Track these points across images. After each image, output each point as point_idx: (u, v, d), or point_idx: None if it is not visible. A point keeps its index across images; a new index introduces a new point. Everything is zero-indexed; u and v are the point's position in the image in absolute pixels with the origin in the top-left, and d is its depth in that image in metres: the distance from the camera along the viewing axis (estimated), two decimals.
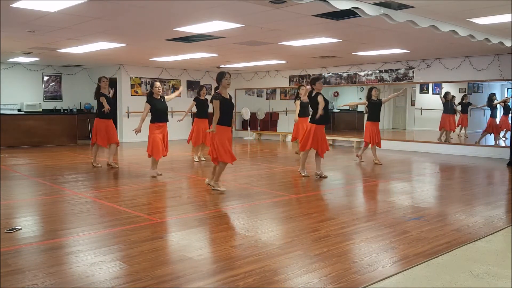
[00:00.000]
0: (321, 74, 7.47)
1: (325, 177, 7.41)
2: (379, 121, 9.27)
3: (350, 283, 3.02)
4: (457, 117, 12.18)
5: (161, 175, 7.48)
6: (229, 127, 6.03)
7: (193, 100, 9.28)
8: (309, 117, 7.79)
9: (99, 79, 8.27)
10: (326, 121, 7.38)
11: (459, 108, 12.15)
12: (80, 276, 3.13)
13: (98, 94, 8.21)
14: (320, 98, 7.08)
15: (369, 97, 9.16)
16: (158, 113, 7.31)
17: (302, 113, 9.99)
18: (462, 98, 12.12)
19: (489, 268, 3.32)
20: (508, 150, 9.60)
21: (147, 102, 7.26)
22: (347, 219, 4.80)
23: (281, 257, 3.54)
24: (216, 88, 6.00)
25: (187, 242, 4.00)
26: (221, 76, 5.89)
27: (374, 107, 9.17)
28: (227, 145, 5.97)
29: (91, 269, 3.25)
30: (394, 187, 6.98)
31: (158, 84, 7.31)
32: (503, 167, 9.05)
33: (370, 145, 9.26)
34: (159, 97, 7.34)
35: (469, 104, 12.20)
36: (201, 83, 15.83)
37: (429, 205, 5.54)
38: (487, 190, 6.84)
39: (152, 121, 7.35)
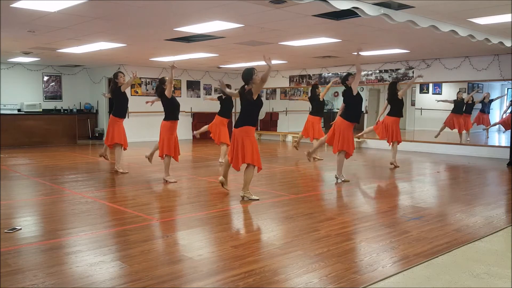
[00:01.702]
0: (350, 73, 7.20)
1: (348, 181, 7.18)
2: (401, 116, 8.65)
3: (350, 283, 3.02)
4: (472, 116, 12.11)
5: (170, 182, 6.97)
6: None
7: (218, 99, 9.03)
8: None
9: (116, 75, 7.65)
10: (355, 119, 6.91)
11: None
12: (80, 276, 3.13)
13: (118, 90, 7.63)
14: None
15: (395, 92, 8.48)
16: (175, 109, 6.87)
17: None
18: (484, 97, 12.07)
19: (489, 268, 3.32)
20: (508, 150, 9.60)
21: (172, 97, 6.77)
22: (347, 219, 4.80)
23: (281, 257, 3.54)
24: (243, 88, 5.58)
25: (187, 242, 4.00)
26: (250, 72, 5.44)
27: (398, 102, 8.55)
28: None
29: (91, 269, 3.25)
30: (394, 187, 6.99)
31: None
32: (503, 167, 9.05)
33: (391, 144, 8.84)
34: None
35: (491, 101, 12.18)
36: (201, 83, 15.85)
37: (429, 205, 5.53)
38: (487, 190, 6.84)
39: (169, 118, 6.81)
